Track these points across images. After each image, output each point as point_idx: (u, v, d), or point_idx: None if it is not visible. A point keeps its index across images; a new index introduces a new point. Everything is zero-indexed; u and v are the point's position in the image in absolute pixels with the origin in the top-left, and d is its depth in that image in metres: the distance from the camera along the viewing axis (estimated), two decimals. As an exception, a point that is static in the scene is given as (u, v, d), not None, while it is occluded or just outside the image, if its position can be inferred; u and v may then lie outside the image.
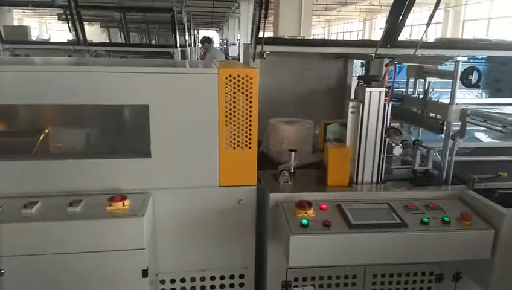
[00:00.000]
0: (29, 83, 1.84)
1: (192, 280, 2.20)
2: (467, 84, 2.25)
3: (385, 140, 2.18)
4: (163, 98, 1.94)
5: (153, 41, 14.49)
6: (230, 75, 1.95)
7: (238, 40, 18.43)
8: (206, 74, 1.96)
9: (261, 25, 2.53)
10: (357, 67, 3.24)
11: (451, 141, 2.16)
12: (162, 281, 2.17)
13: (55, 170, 1.94)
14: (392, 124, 2.24)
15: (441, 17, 17.69)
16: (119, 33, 12.28)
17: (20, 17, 22.98)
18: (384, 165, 2.21)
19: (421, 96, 2.47)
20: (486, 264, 1.93)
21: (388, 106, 2.14)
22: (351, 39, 22.90)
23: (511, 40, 4.17)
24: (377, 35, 23.08)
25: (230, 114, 1.99)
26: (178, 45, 6.82)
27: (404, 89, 2.77)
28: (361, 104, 2.11)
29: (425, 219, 1.89)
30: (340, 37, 30.61)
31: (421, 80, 2.62)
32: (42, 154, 2.13)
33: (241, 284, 2.24)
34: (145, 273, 1.85)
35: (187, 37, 10.02)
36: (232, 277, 2.22)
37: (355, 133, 2.16)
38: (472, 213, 1.95)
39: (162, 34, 16.57)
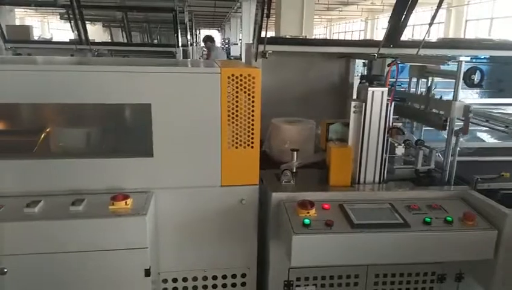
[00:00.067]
0: (32, 82, 1.84)
1: (194, 279, 2.20)
2: (470, 84, 2.25)
3: (387, 140, 2.17)
4: (166, 98, 1.94)
5: (155, 41, 14.49)
6: (232, 75, 1.95)
7: (239, 39, 18.43)
8: (208, 73, 1.96)
9: (263, 25, 2.53)
10: (358, 67, 3.24)
11: (454, 137, 2.15)
12: (164, 281, 2.17)
13: (57, 169, 1.94)
14: (394, 124, 2.24)
15: (443, 16, 17.65)
16: (121, 32, 12.31)
17: (22, 16, 23.03)
18: (386, 165, 2.21)
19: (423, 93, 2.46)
20: (489, 265, 1.93)
21: (390, 105, 2.14)
22: (353, 39, 22.89)
23: (514, 40, 4.15)
24: (379, 35, 23.06)
25: (233, 113, 1.99)
26: (180, 44, 6.83)
27: (406, 89, 2.76)
28: (364, 104, 2.11)
29: (427, 219, 1.89)
30: (341, 37, 30.59)
31: (423, 79, 2.62)
32: (45, 153, 2.13)
33: (243, 284, 2.24)
34: (147, 273, 1.85)
35: (189, 37, 10.01)
36: (234, 276, 2.22)
37: (357, 133, 2.16)
38: (475, 213, 1.95)
39: (163, 33, 16.55)
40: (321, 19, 29.82)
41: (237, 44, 18.81)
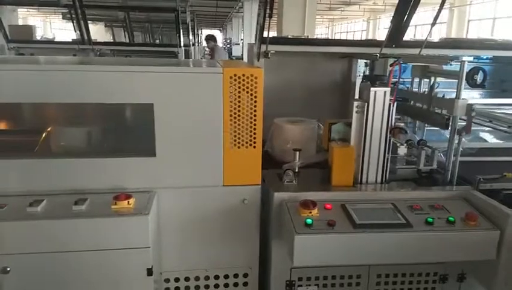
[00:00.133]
0: (35, 82, 1.85)
1: (196, 278, 2.20)
2: (472, 84, 2.24)
3: (390, 140, 2.17)
4: (168, 97, 1.94)
5: (157, 41, 14.50)
6: (235, 75, 1.95)
7: (241, 39, 18.43)
8: (211, 73, 1.96)
9: (266, 25, 2.53)
10: (360, 67, 3.24)
11: (457, 136, 2.14)
12: (167, 280, 2.17)
13: (60, 169, 1.94)
14: (396, 124, 2.23)
15: (445, 16, 17.62)
16: (123, 32, 12.31)
17: (24, 16, 23.09)
18: (388, 165, 2.20)
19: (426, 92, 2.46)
20: (491, 265, 1.93)
21: (393, 105, 2.14)
22: (355, 39, 22.87)
23: (517, 40, 4.14)
24: (381, 35, 23.02)
25: (235, 113, 1.99)
26: (182, 44, 6.83)
27: (409, 88, 2.76)
28: (366, 104, 2.11)
29: (430, 219, 1.89)
30: (343, 37, 30.57)
31: (425, 79, 2.61)
32: (48, 152, 2.14)
33: (245, 284, 2.24)
34: (149, 272, 1.85)
35: (191, 37, 10.01)
36: (236, 276, 2.23)
37: (359, 133, 2.16)
38: (477, 214, 1.94)
39: (165, 33, 16.56)
40: (323, 19, 29.79)
41: (239, 44, 18.81)
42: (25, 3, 9.32)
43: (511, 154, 2.62)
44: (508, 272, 1.89)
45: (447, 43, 3.48)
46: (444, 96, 2.30)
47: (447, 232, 1.86)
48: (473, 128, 2.16)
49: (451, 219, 1.90)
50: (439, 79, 2.45)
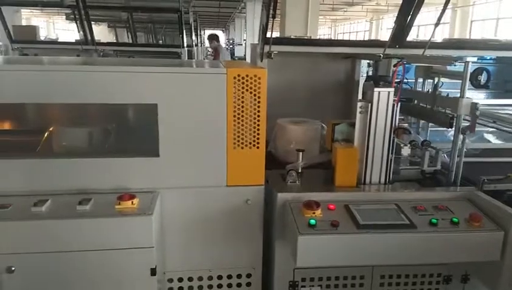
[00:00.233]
0: (39, 82, 1.85)
1: (200, 279, 2.20)
2: (476, 84, 2.24)
3: (393, 140, 2.17)
4: (172, 98, 1.94)
5: (160, 41, 14.54)
6: (238, 75, 1.96)
7: (244, 40, 18.45)
8: (214, 73, 1.97)
9: (269, 25, 2.53)
10: (363, 68, 3.24)
11: (461, 135, 2.14)
12: (170, 280, 2.17)
13: (64, 169, 1.95)
14: (400, 124, 2.23)
15: (448, 17, 17.58)
16: (126, 33, 12.35)
17: (28, 17, 23.18)
18: (392, 165, 2.20)
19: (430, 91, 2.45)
20: (495, 266, 1.92)
21: (397, 106, 2.13)
22: (358, 39, 22.84)
23: (521, 41, 4.14)
24: (384, 35, 23.00)
25: (239, 114, 1.99)
26: (185, 44, 6.84)
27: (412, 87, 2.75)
28: (370, 104, 2.11)
29: (434, 220, 1.88)
30: (346, 37, 30.54)
31: (429, 80, 2.61)
32: (52, 153, 2.15)
33: (248, 284, 2.24)
34: (153, 272, 1.86)
35: (194, 37, 10.02)
36: (239, 276, 2.23)
37: (363, 133, 2.16)
38: (481, 214, 1.94)
39: (168, 34, 16.61)
40: (325, 20, 29.78)
41: (241, 44, 18.84)
42: (28, 3, 9.35)
43: (515, 155, 2.62)
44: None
45: (451, 44, 3.48)
46: (448, 95, 2.29)
47: (451, 233, 1.86)
48: (476, 129, 2.15)
49: (455, 219, 1.89)
50: (442, 79, 2.45)
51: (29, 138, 2.20)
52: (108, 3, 10.53)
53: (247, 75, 1.96)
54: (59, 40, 11.27)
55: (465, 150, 2.17)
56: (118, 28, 14.13)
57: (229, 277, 2.22)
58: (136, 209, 1.85)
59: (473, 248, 1.87)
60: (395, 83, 2.18)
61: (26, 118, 2.28)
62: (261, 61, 2.69)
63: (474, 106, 2.08)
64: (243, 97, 1.98)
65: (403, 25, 2.75)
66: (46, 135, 2.17)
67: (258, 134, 2.03)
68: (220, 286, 2.23)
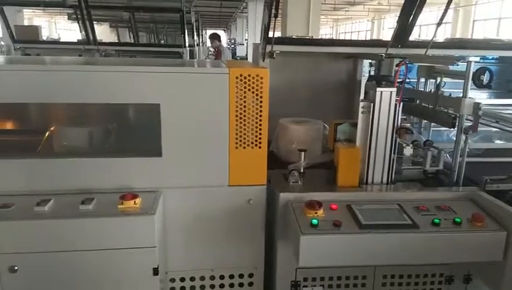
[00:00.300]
0: (41, 82, 1.86)
1: (202, 278, 2.20)
2: (479, 84, 2.23)
3: (396, 140, 2.17)
4: (175, 98, 1.95)
5: (162, 41, 14.55)
6: (241, 75, 1.96)
7: (245, 39, 18.44)
8: (217, 73, 1.97)
9: (271, 25, 2.53)
10: (365, 67, 3.23)
11: (463, 136, 2.13)
12: (172, 280, 2.18)
13: (67, 168, 1.96)
14: (403, 124, 2.23)
15: (450, 16, 17.55)
16: (128, 33, 12.37)
17: (30, 16, 23.23)
18: (394, 165, 2.20)
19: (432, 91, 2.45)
20: (497, 266, 1.92)
21: (399, 105, 2.13)
22: (359, 39, 22.82)
23: (523, 40, 4.13)
24: (386, 35, 22.97)
25: (241, 114, 1.99)
26: (187, 44, 6.84)
27: (414, 87, 2.75)
28: (372, 104, 2.11)
29: (436, 220, 1.88)
30: (348, 37, 30.52)
31: (431, 80, 2.61)
32: (55, 152, 2.15)
33: (250, 284, 2.24)
34: (155, 272, 1.86)
35: (195, 37, 10.02)
36: (241, 276, 2.23)
37: (365, 133, 2.15)
38: (484, 215, 1.94)
39: (170, 33, 16.61)
40: (327, 19, 29.75)
41: (243, 44, 18.83)
42: (30, 3, 9.37)
43: (517, 155, 2.61)
44: (514, 273, 1.88)
45: (453, 43, 3.47)
46: (450, 95, 2.29)
47: (453, 233, 1.85)
48: (479, 128, 2.15)
49: (457, 219, 1.89)
50: (445, 79, 2.44)
51: (33, 138, 2.20)
52: (110, 3, 10.53)
53: (249, 75, 1.96)
54: (61, 40, 11.31)
55: (467, 150, 2.17)
56: (119, 27, 14.13)
57: (231, 276, 2.22)
58: (138, 209, 1.86)
59: (475, 248, 1.87)
60: (398, 82, 2.18)
61: (29, 118, 2.29)
62: (263, 61, 2.69)
63: (476, 106, 2.07)
64: (245, 97, 1.98)
65: (405, 24, 2.74)
66: (49, 135, 2.17)
67: (260, 134, 2.03)
68: (222, 285, 2.23)
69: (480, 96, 3.34)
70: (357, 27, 30.72)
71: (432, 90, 2.47)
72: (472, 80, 2.11)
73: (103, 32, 15.09)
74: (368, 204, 2.01)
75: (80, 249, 1.79)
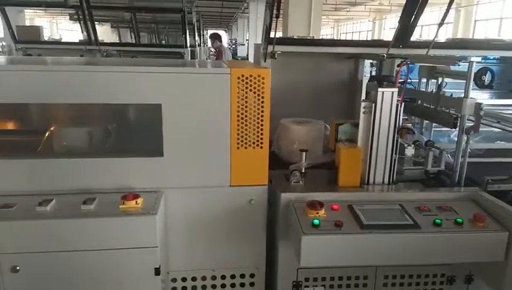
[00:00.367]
0: (43, 83, 1.86)
1: (203, 278, 2.20)
2: (480, 85, 2.23)
3: (397, 140, 2.16)
4: (176, 98, 1.95)
5: (163, 42, 14.56)
6: (242, 75, 1.96)
7: (246, 40, 18.45)
8: (218, 73, 1.97)
9: (272, 25, 2.53)
10: (366, 68, 3.23)
11: (465, 136, 2.13)
12: (173, 280, 2.18)
13: (69, 169, 1.96)
14: (404, 124, 2.22)
15: (451, 17, 17.54)
16: (129, 33, 12.38)
17: (31, 17, 23.28)
18: (396, 165, 2.20)
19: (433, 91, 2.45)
20: (499, 267, 1.91)
21: (400, 106, 2.13)
22: (361, 39, 22.82)
23: (525, 41, 4.12)
24: (387, 35, 22.96)
25: (242, 114, 1.99)
26: (188, 45, 6.85)
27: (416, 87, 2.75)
28: (374, 105, 2.11)
29: (438, 221, 1.88)
30: (349, 37, 30.52)
31: (433, 80, 2.61)
32: (57, 153, 2.16)
33: (252, 284, 2.25)
34: (157, 272, 1.86)
35: (196, 37, 10.02)
36: (242, 276, 2.23)
37: (367, 134, 2.15)
38: (485, 215, 1.93)
39: (171, 34, 16.63)
40: (328, 19, 29.76)
41: (244, 44, 18.84)
42: (32, 4, 9.38)
43: (519, 155, 2.60)
44: (516, 273, 1.88)
45: (454, 44, 3.47)
46: (452, 95, 2.29)
47: (455, 234, 1.85)
48: (480, 129, 2.15)
49: (459, 220, 1.89)
50: (446, 79, 2.44)
51: (35, 138, 2.20)
52: (111, 3, 10.54)
53: (251, 75, 1.96)
54: (62, 41, 11.32)
55: (469, 150, 2.17)
56: (121, 28, 14.16)
57: (233, 276, 2.22)
58: (140, 209, 1.86)
59: (477, 248, 1.87)
60: (399, 83, 2.18)
61: (32, 118, 2.29)
62: (265, 61, 2.69)
63: (478, 106, 2.07)
64: (246, 97, 1.98)
65: (406, 24, 2.74)
66: (51, 135, 2.18)
67: (261, 134, 2.03)
68: (223, 285, 2.23)
69: (482, 97, 3.34)
70: (358, 27, 30.72)
71: (434, 90, 2.47)
72: (474, 80, 2.11)
73: (104, 32, 15.12)
74: (369, 204, 2.01)
75: (82, 249, 1.80)
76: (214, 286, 2.22)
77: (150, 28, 14.23)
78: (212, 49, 10.71)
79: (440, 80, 2.41)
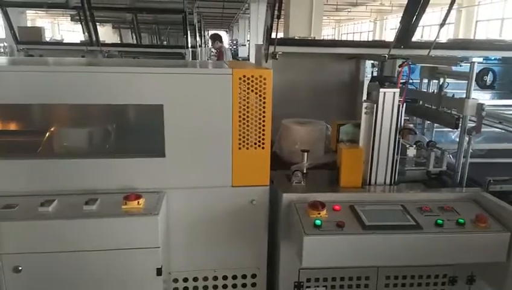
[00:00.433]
0: (44, 83, 1.87)
1: (205, 279, 2.21)
2: (482, 85, 2.24)
3: (399, 141, 2.16)
4: (178, 98, 1.95)
5: (164, 42, 14.58)
6: (244, 76, 1.96)
7: (247, 40, 18.45)
8: (220, 74, 1.97)
9: (274, 26, 2.54)
10: (367, 68, 3.23)
11: (466, 136, 2.13)
12: (175, 280, 2.18)
13: (71, 169, 1.96)
14: (406, 125, 2.22)
15: (453, 17, 17.52)
16: (130, 34, 12.40)
17: (33, 18, 23.32)
18: (397, 166, 2.20)
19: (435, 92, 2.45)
20: (501, 267, 1.91)
21: (402, 106, 2.13)
22: (362, 40, 22.81)
23: (526, 41, 4.11)
24: (388, 35, 22.96)
25: (244, 114, 2.00)
26: (189, 45, 6.86)
27: (417, 88, 2.75)
28: (375, 105, 2.11)
29: (439, 221, 1.88)
30: (350, 38, 30.51)
31: (434, 80, 2.60)
32: (58, 153, 2.16)
33: (253, 284, 2.25)
34: (159, 272, 1.86)
35: (198, 38, 10.02)
36: (244, 276, 2.23)
37: (368, 134, 2.15)
38: (487, 215, 1.93)
39: (172, 34, 16.65)
40: (329, 20, 29.76)
41: (245, 45, 18.84)
42: (34, 5, 9.40)
43: (521, 156, 2.60)
44: (518, 274, 1.88)
45: (456, 44, 3.46)
46: (453, 95, 2.29)
47: (456, 234, 1.85)
48: (482, 129, 2.15)
49: (461, 220, 1.89)
50: (448, 80, 2.44)
51: (36, 138, 2.21)
52: (113, 4, 10.56)
53: (252, 76, 1.97)
54: (64, 41, 11.34)
55: (470, 150, 2.16)
56: (122, 29, 14.17)
57: (234, 277, 2.22)
58: (142, 210, 1.86)
59: (478, 249, 1.87)
60: (401, 83, 2.18)
61: (33, 118, 2.30)
62: (266, 61, 2.70)
63: (480, 107, 2.07)
64: (248, 98, 1.98)
65: (408, 25, 2.74)
66: (53, 136, 2.18)
67: (263, 134, 2.03)
68: (225, 286, 2.23)
69: (484, 97, 3.34)
70: (359, 28, 30.72)
71: (435, 91, 2.47)
72: (475, 80, 2.11)
73: (106, 33, 15.14)
74: (371, 205, 2.01)
75: (84, 250, 1.80)
76: (215, 287, 2.22)
77: (151, 29, 14.25)
78: (213, 50, 10.71)
79: (442, 80, 2.41)
